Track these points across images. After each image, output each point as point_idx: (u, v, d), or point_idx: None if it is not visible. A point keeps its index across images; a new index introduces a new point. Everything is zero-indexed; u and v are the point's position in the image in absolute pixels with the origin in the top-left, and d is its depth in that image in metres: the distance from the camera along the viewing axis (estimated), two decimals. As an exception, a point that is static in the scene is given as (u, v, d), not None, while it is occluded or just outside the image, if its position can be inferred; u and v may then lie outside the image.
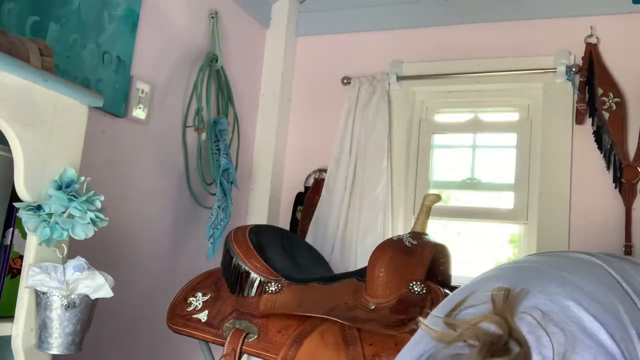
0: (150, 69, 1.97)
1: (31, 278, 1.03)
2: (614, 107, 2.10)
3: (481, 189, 2.42)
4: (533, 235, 2.20)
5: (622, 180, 2.05)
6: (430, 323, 0.82)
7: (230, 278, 1.49)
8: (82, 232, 1.08)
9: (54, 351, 1.05)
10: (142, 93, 1.90)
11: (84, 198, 1.09)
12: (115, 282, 1.10)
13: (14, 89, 1.02)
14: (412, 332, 0.79)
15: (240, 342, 1.37)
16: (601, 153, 2.12)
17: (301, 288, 1.40)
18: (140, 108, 1.89)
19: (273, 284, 1.43)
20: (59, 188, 1.08)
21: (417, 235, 1.38)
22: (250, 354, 1.39)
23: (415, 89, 2.49)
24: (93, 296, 1.06)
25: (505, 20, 2.35)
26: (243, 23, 2.51)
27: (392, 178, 2.40)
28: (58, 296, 1.03)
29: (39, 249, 1.07)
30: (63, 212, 1.07)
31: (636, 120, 2.09)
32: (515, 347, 0.72)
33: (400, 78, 2.46)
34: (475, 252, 2.39)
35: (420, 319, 0.88)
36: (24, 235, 1.09)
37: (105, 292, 1.07)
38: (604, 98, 2.11)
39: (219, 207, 2.06)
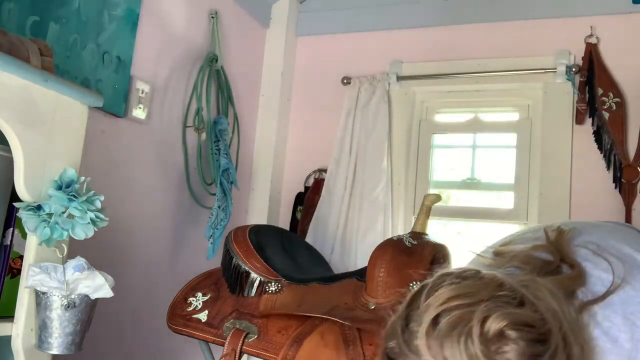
0: (150, 69, 1.96)
1: (31, 278, 1.03)
2: (614, 107, 2.10)
3: (481, 189, 2.41)
4: (533, 235, 2.20)
5: (622, 180, 2.05)
6: (477, 255, 0.84)
7: (230, 278, 1.49)
8: (82, 232, 1.08)
9: (54, 351, 1.05)
10: (142, 93, 1.90)
11: (84, 198, 1.09)
12: (115, 282, 1.10)
13: (14, 89, 1.02)
14: None
15: (240, 342, 1.37)
16: (601, 153, 2.11)
17: (301, 288, 1.41)
18: (140, 108, 1.89)
19: (273, 284, 1.43)
20: (59, 188, 1.08)
21: (417, 235, 1.38)
22: (250, 354, 1.39)
23: (415, 89, 2.49)
24: (93, 296, 1.06)
25: (505, 20, 2.35)
26: (243, 23, 2.51)
27: (392, 178, 2.40)
28: (58, 296, 1.03)
29: (39, 249, 1.07)
30: (63, 212, 1.07)
31: (636, 120, 2.09)
32: (567, 270, 0.75)
33: (400, 78, 2.46)
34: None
35: (474, 250, 0.89)
36: (24, 235, 1.09)
37: (105, 292, 1.07)
38: (604, 98, 2.11)
39: (219, 207, 2.06)
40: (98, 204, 1.11)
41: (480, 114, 2.43)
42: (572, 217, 2.14)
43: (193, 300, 1.51)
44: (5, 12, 1.41)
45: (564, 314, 0.66)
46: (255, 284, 1.44)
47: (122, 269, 1.82)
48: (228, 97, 2.31)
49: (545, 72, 2.24)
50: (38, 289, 1.04)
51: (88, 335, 1.10)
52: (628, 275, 0.74)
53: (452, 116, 2.54)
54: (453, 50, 2.42)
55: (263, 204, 2.55)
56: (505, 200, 2.35)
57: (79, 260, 1.09)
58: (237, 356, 1.36)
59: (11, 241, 1.11)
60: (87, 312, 1.07)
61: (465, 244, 2.42)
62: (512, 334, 0.61)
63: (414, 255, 1.30)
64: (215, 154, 2.13)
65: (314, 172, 2.57)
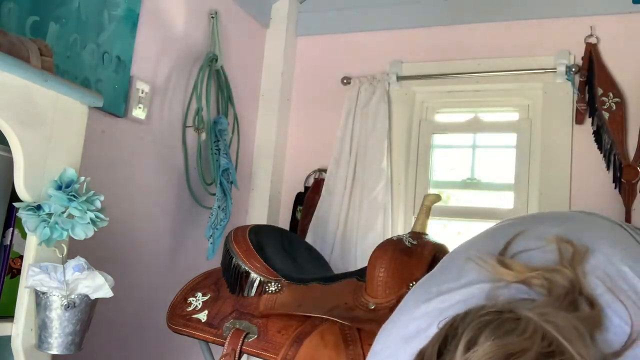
0: (150, 69, 1.96)
1: (31, 278, 1.03)
2: (614, 107, 2.10)
3: (481, 189, 2.42)
4: (533, 235, 2.20)
5: (622, 180, 2.05)
6: (479, 259, 0.78)
7: (230, 278, 1.49)
8: (82, 232, 1.08)
9: (54, 351, 1.05)
10: (142, 93, 1.90)
11: (84, 198, 1.09)
12: (115, 282, 1.10)
13: (14, 89, 1.02)
14: None
15: (240, 342, 1.37)
16: (601, 153, 2.11)
17: (301, 288, 1.41)
18: (140, 108, 1.89)
19: (273, 284, 1.43)
20: (59, 188, 1.08)
21: (417, 235, 1.38)
22: (250, 354, 1.39)
23: (415, 89, 2.49)
24: (93, 296, 1.06)
25: (505, 20, 2.35)
26: (243, 23, 2.51)
27: (392, 178, 2.40)
28: (58, 296, 1.03)
29: (38, 249, 1.07)
30: (63, 212, 1.07)
31: (636, 120, 2.09)
32: (584, 305, 0.69)
33: (400, 78, 2.46)
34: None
35: (473, 253, 0.82)
36: (24, 235, 1.09)
37: (105, 292, 1.07)
38: (603, 98, 2.11)
39: (218, 207, 2.06)
40: (98, 204, 1.11)
41: (480, 114, 2.43)
42: (572, 217, 2.13)
43: (193, 300, 1.51)
44: (5, 12, 1.41)
45: (589, 357, 0.61)
46: (255, 284, 1.44)
47: (122, 269, 1.82)
48: (228, 97, 2.31)
49: (545, 72, 2.24)
50: (38, 289, 1.04)
51: (88, 335, 1.10)
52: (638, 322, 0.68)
53: (452, 116, 2.54)
54: (453, 50, 2.42)
55: (263, 204, 2.55)
56: (505, 200, 2.35)
57: (79, 260, 1.09)
58: (237, 356, 1.36)
59: (11, 241, 1.11)
60: (87, 312, 1.07)
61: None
62: None
63: (414, 255, 1.30)
64: (215, 154, 2.13)
65: (314, 172, 2.57)
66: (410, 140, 2.47)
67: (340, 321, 1.26)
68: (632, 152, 2.07)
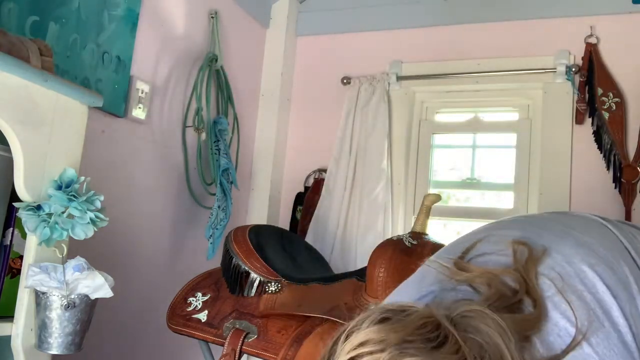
0: (150, 69, 1.96)
1: (31, 278, 1.03)
2: (614, 107, 2.10)
3: (481, 188, 2.42)
4: (533, 235, 2.20)
5: (622, 180, 2.05)
6: (437, 263, 0.80)
7: (230, 278, 1.49)
8: (82, 232, 1.08)
9: (54, 351, 1.05)
10: (142, 93, 1.90)
11: (84, 198, 1.09)
12: (115, 282, 1.10)
13: (14, 89, 1.02)
14: None
15: (240, 342, 1.37)
16: (601, 153, 2.11)
17: (301, 288, 1.41)
18: (140, 108, 1.89)
19: (273, 284, 1.43)
20: (59, 188, 1.08)
21: (417, 235, 1.38)
22: (250, 354, 1.39)
23: (415, 89, 2.49)
24: (93, 296, 1.07)
25: (505, 20, 2.35)
26: (243, 23, 2.51)
27: (392, 178, 2.40)
28: (58, 296, 1.03)
29: (38, 249, 1.07)
30: (63, 212, 1.07)
31: (636, 120, 2.09)
32: (529, 307, 0.70)
33: (400, 78, 2.46)
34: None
35: (430, 258, 0.85)
36: (24, 235, 1.09)
37: (105, 292, 1.07)
38: (603, 98, 2.11)
39: (218, 207, 2.06)
40: (98, 204, 1.11)
41: (480, 114, 2.43)
42: (572, 217, 2.13)
43: (193, 300, 1.52)
44: (5, 12, 1.41)
45: (511, 356, 0.62)
46: (255, 284, 1.44)
47: (122, 269, 1.82)
48: (228, 97, 2.31)
49: (545, 72, 2.24)
50: (38, 289, 1.04)
51: (88, 335, 1.10)
52: (589, 327, 0.69)
53: (452, 116, 2.54)
54: (453, 50, 2.42)
55: (263, 204, 2.55)
56: (505, 200, 2.35)
57: (79, 260, 1.09)
58: (236, 356, 1.36)
59: (11, 241, 1.11)
60: (87, 312, 1.07)
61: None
62: None
63: (414, 255, 1.30)
64: (215, 154, 2.13)
65: (314, 172, 2.57)
66: (410, 140, 2.47)
67: (340, 321, 1.26)
68: (632, 152, 2.07)
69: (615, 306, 0.73)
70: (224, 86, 2.29)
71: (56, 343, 1.05)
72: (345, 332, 0.64)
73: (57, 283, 1.04)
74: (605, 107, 2.11)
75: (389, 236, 2.08)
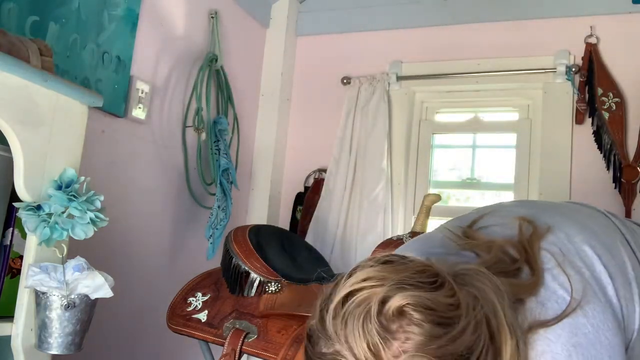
0: (150, 69, 1.96)
1: (31, 278, 1.03)
2: (614, 107, 2.10)
3: (481, 188, 2.42)
4: (533, 235, 2.20)
5: (622, 180, 2.05)
6: (445, 229, 0.85)
7: (230, 278, 1.49)
8: (82, 232, 1.08)
9: (54, 351, 1.05)
10: (142, 93, 1.90)
11: (84, 198, 1.09)
12: (115, 282, 1.10)
13: (14, 89, 1.02)
14: None
15: (240, 342, 1.37)
16: (601, 153, 2.11)
17: (301, 288, 1.41)
18: (140, 108, 1.89)
19: (273, 284, 1.43)
20: (59, 188, 1.08)
21: (417, 235, 1.38)
22: (250, 354, 1.39)
23: (415, 89, 2.49)
24: (93, 296, 1.06)
25: (505, 20, 2.35)
26: (243, 23, 2.51)
27: (392, 178, 2.40)
28: (58, 296, 1.03)
29: (38, 249, 1.07)
30: (63, 212, 1.07)
31: (636, 120, 2.09)
32: (528, 275, 0.74)
33: (400, 78, 2.46)
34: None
35: (439, 225, 0.91)
36: (24, 235, 1.09)
37: (105, 292, 1.07)
38: (603, 98, 2.11)
39: (218, 207, 2.06)
40: (98, 204, 1.11)
41: (480, 114, 2.43)
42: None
43: (193, 300, 1.52)
44: (5, 12, 1.41)
45: (503, 311, 0.67)
46: (255, 284, 1.44)
47: (122, 269, 1.82)
48: (228, 97, 2.31)
49: (545, 72, 2.24)
50: (38, 289, 1.04)
51: (88, 335, 1.10)
52: (584, 297, 0.73)
53: (452, 116, 2.54)
54: (453, 50, 2.42)
55: (263, 204, 2.55)
56: (505, 200, 2.35)
57: (79, 260, 1.09)
58: (236, 356, 1.36)
59: (11, 241, 1.11)
60: (87, 312, 1.07)
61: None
62: (414, 314, 0.62)
63: (414, 255, 1.30)
64: (215, 154, 2.13)
65: (314, 172, 2.57)
66: (410, 140, 2.47)
67: (340, 321, 1.26)
68: (632, 152, 2.06)
69: (610, 286, 0.78)
70: (224, 86, 2.29)
71: (56, 343, 1.05)
72: (350, 271, 0.69)
73: (57, 283, 1.04)
74: (605, 107, 2.11)
75: (389, 236, 2.08)
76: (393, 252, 0.72)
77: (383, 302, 0.63)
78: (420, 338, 0.62)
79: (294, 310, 1.36)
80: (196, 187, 2.15)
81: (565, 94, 2.21)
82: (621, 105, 2.10)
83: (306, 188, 2.57)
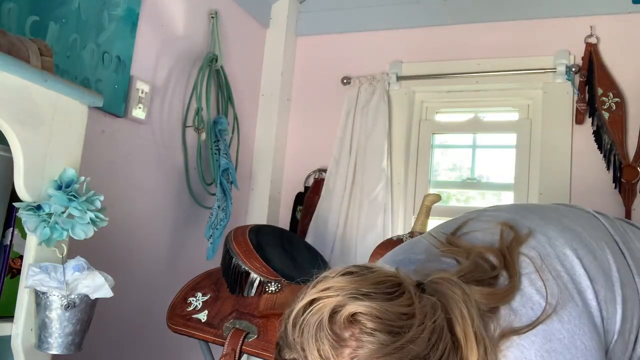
0: (150, 69, 1.96)
1: (31, 278, 1.03)
2: (614, 107, 2.10)
3: (481, 188, 2.42)
4: (533, 235, 2.20)
5: (622, 180, 2.05)
6: (430, 236, 0.88)
7: (230, 278, 1.49)
8: (82, 232, 1.08)
9: (54, 351, 1.05)
10: (142, 93, 1.90)
11: (84, 198, 1.09)
12: (115, 282, 1.10)
13: (13, 89, 1.02)
14: None
15: (240, 342, 1.37)
16: (601, 153, 2.11)
17: (301, 288, 1.40)
18: (140, 108, 1.89)
19: (273, 284, 1.43)
20: (59, 188, 1.08)
21: (417, 235, 1.38)
22: (250, 353, 1.39)
23: (415, 89, 2.49)
24: (93, 296, 1.06)
25: (505, 20, 2.35)
26: (243, 23, 2.51)
27: (391, 178, 2.40)
28: (58, 296, 1.03)
29: (38, 249, 1.07)
30: (63, 212, 1.07)
31: (636, 120, 2.09)
32: (506, 281, 0.76)
33: (400, 78, 2.46)
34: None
35: (425, 232, 0.93)
36: (24, 235, 1.09)
37: (105, 292, 1.07)
38: (603, 98, 2.11)
39: (218, 207, 2.06)
40: (98, 204, 1.11)
41: (480, 114, 2.43)
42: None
43: (193, 300, 1.52)
44: (5, 12, 1.41)
45: (470, 318, 0.69)
46: (255, 284, 1.44)
47: (122, 269, 1.82)
48: (228, 97, 2.31)
49: (545, 72, 2.24)
50: (38, 289, 1.04)
51: (88, 335, 1.10)
52: (560, 301, 0.74)
53: (452, 116, 2.54)
54: (453, 50, 2.42)
55: (263, 204, 2.55)
56: (505, 200, 2.35)
57: (79, 260, 1.09)
58: (236, 356, 1.36)
59: (11, 241, 1.11)
60: (87, 312, 1.07)
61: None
62: (366, 323, 0.65)
63: (414, 255, 1.30)
64: (215, 154, 2.13)
65: (314, 172, 2.57)
66: (410, 140, 2.47)
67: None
68: (632, 152, 2.07)
69: (590, 289, 0.78)
70: (224, 86, 2.29)
71: (56, 343, 1.05)
72: (315, 280, 0.74)
73: (57, 283, 1.04)
74: (605, 107, 2.11)
75: (389, 236, 2.08)
76: (362, 263, 0.75)
77: (336, 310, 0.66)
78: (371, 346, 0.64)
79: (294, 310, 1.35)
80: (196, 187, 2.15)
81: (565, 94, 2.21)
82: (621, 105, 2.10)
83: (306, 188, 2.57)
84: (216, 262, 1.69)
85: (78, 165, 1.16)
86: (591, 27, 2.19)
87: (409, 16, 2.51)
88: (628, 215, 2.02)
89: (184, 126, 2.13)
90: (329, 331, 0.66)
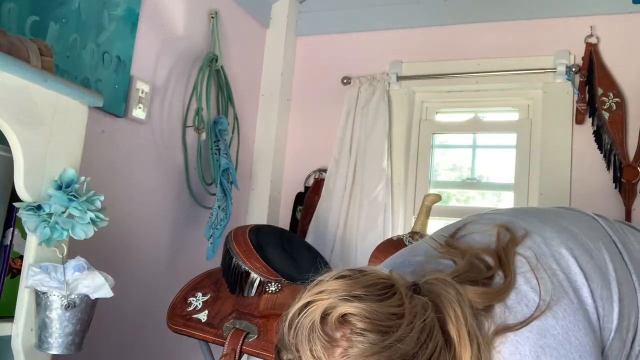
0: (150, 69, 1.96)
1: (31, 278, 1.03)
2: (614, 107, 2.10)
3: (481, 188, 2.42)
4: (533, 235, 2.20)
5: (622, 180, 2.05)
6: (430, 239, 0.91)
7: (230, 278, 1.49)
8: (82, 232, 1.08)
9: (54, 351, 1.05)
10: (142, 93, 1.90)
11: (84, 198, 1.09)
12: (115, 282, 1.10)
13: (13, 89, 1.02)
14: None
15: (240, 342, 1.37)
16: (601, 153, 2.11)
17: (301, 288, 1.40)
18: (140, 108, 1.89)
19: (273, 284, 1.43)
20: (59, 188, 1.08)
21: (417, 235, 1.38)
22: (250, 354, 1.39)
23: (415, 89, 2.49)
24: (93, 296, 1.06)
25: (505, 20, 2.35)
26: (243, 23, 2.51)
27: (391, 178, 2.40)
28: (58, 296, 1.03)
29: (39, 249, 1.07)
30: (63, 212, 1.07)
31: (636, 120, 2.09)
32: (502, 281, 0.78)
33: (400, 78, 2.46)
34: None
35: (429, 235, 0.96)
36: (24, 235, 1.09)
37: (105, 292, 1.07)
38: (604, 98, 2.11)
39: (218, 207, 2.06)
40: (98, 204, 1.11)
41: (480, 114, 2.43)
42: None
43: (193, 300, 1.52)
44: (5, 12, 1.41)
45: (463, 317, 0.71)
46: (255, 284, 1.44)
47: (122, 269, 1.82)
48: (228, 97, 2.31)
49: (545, 72, 2.24)
50: (38, 289, 1.04)
51: (88, 335, 1.10)
52: (554, 298, 0.76)
53: (452, 116, 2.54)
54: (453, 50, 2.42)
55: (263, 204, 2.55)
56: (505, 200, 2.35)
57: (79, 260, 1.09)
58: (236, 356, 1.36)
59: (11, 241, 1.11)
60: (87, 312, 1.07)
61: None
62: (356, 323, 0.67)
63: (414, 255, 1.30)
64: (215, 154, 2.13)
65: (314, 172, 2.57)
66: (410, 140, 2.47)
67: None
68: (632, 152, 2.07)
69: (585, 287, 0.79)
70: (224, 86, 2.29)
71: (56, 343, 1.05)
72: (311, 284, 0.76)
73: (57, 283, 1.04)
74: (606, 107, 2.11)
75: (389, 236, 2.08)
76: (356, 267, 0.78)
77: (328, 312, 0.69)
78: (361, 346, 0.67)
79: (294, 310, 1.35)
80: (196, 187, 2.15)
81: (566, 94, 2.21)
82: (621, 105, 2.10)
83: (306, 188, 2.57)
84: (216, 262, 1.69)
85: (78, 165, 1.16)
86: (591, 27, 2.19)
87: (409, 16, 2.51)
88: (628, 215, 2.02)
89: (184, 126, 2.13)
90: (320, 332, 0.68)
